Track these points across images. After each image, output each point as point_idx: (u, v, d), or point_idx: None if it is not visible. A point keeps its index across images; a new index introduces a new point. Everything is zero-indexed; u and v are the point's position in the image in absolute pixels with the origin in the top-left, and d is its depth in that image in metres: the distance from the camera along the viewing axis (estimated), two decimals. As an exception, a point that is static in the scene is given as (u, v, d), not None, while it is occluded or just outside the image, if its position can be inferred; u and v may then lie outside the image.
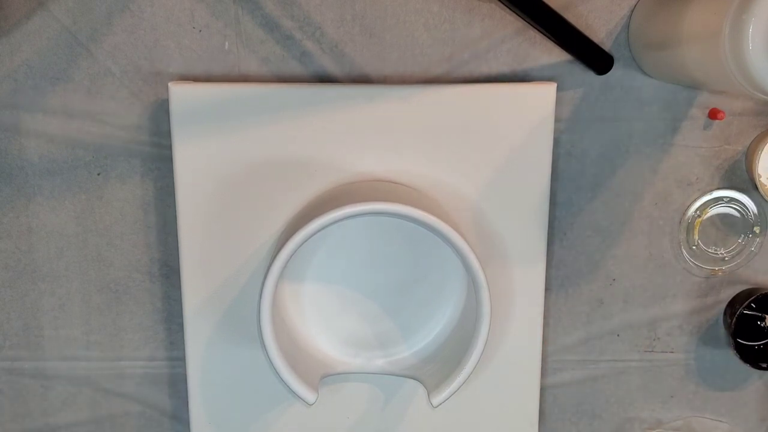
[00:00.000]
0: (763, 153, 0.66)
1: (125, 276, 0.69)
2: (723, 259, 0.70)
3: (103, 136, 0.66)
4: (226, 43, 0.64)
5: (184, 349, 0.66)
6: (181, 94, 0.61)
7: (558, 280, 0.70)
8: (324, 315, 0.67)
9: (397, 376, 0.66)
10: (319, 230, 0.57)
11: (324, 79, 0.66)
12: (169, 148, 0.64)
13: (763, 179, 0.66)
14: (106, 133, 0.66)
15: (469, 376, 0.60)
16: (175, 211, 0.64)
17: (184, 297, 0.65)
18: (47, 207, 0.67)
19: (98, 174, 0.67)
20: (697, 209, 0.69)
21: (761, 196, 0.67)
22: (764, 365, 0.70)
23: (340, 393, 0.68)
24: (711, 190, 0.69)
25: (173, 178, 0.63)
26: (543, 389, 0.72)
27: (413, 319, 0.67)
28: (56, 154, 0.66)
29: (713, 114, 0.66)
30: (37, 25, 0.63)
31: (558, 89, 0.64)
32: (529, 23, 0.63)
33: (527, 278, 0.66)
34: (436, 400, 0.61)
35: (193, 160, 0.62)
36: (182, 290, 0.65)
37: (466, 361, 0.60)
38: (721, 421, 0.74)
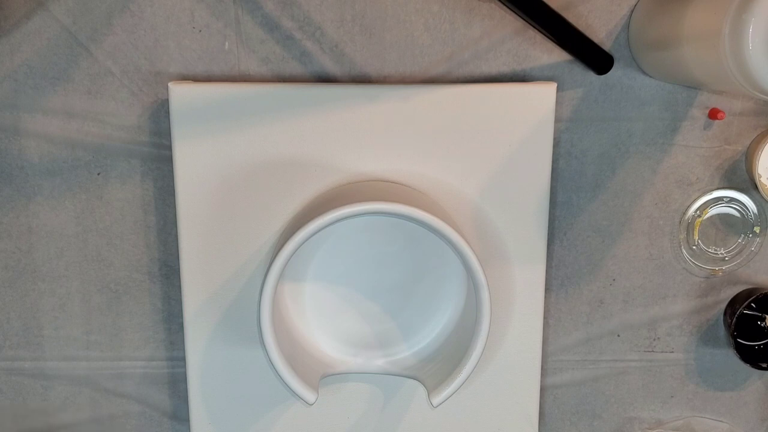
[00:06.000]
0: (763, 153, 0.66)
1: (125, 276, 0.69)
2: (723, 259, 0.70)
3: (103, 136, 0.66)
4: (226, 43, 0.64)
5: (184, 349, 0.66)
6: (181, 94, 0.61)
7: (558, 280, 0.70)
8: (324, 315, 0.67)
9: (397, 376, 0.66)
10: (319, 230, 0.57)
11: (324, 79, 0.66)
12: (169, 148, 0.64)
13: (763, 179, 0.66)
14: (106, 133, 0.66)
15: (469, 376, 0.60)
16: (175, 211, 0.64)
17: (184, 297, 0.65)
18: (47, 207, 0.67)
19: (98, 174, 0.67)
20: (697, 209, 0.69)
21: (761, 196, 0.67)
22: (764, 365, 0.70)
23: (340, 393, 0.68)
24: (711, 190, 0.69)
25: (173, 178, 0.63)
26: (543, 389, 0.72)
27: (413, 319, 0.67)
28: (56, 154, 0.66)
29: (713, 114, 0.66)
30: (37, 25, 0.63)
31: (558, 89, 0.64)
32: (529, 23, 0.63)
33: (527, 278, 0.66)
34: (436, 400, 0.60)
35: (193, 160, 0.62)
36: (182, 290, 0.65)
37: (466, 361, 0.60)
38: (721, 421, 0.74)
